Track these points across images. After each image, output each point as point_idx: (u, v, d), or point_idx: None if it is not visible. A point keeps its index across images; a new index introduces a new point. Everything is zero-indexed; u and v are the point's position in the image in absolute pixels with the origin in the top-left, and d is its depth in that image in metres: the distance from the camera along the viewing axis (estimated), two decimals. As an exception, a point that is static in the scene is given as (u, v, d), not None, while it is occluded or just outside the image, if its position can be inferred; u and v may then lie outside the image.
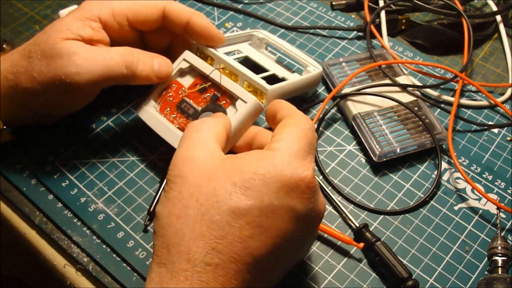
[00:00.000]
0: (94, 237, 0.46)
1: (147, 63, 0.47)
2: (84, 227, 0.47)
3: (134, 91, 0.54)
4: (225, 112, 0.47)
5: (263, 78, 0.49)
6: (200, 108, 0.48)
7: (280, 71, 0.54)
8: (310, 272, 0.45)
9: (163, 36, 0.52)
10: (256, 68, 0.53)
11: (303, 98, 0.56)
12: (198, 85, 0.49)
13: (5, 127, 0.48)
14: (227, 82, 0.48)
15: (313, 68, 0.53)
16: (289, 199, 0.36)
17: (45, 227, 0.47)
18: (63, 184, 0.49)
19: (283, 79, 0.52)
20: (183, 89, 0.50)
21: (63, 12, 0.56)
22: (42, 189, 0.49)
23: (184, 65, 0.50)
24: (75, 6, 0.54)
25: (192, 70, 0.50)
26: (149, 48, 0.53)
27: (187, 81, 0.50)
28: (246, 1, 0.66)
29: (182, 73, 0.51)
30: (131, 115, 0.54)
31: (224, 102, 0.48)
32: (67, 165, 0.50)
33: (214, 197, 0.35)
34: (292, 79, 0.52)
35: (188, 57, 0.50)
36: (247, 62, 0.56)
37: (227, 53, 0.54)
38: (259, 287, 0.37)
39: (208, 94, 0.49)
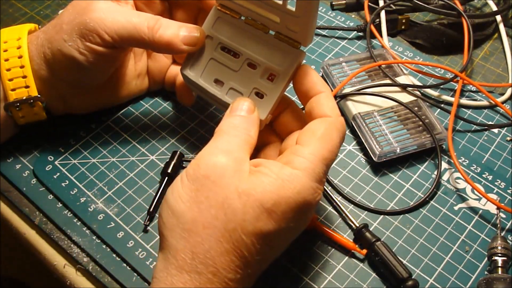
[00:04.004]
0: (94, 237, 0.46)
1: (171, 28, 0.45)
2: (84, 227, 0.47)
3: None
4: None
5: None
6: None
7: None
8: (310, 272, 0.45)
9: (189, 10, 0.51)
10: None
11: (303, 98, 0.56)
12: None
13: (39, 95, 0.47)
14: (256, 51, 0.43)
15: None
16: (300, 220, 0.38)
17: (45, 227, 0.47)
18: (63, 184, 0.49)
19: None
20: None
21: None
22: (42, 189, 0.49)
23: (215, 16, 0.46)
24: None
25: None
26: None
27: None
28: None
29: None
30: (132, 115, 0.54)
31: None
32: (67, 165, 0.50)
33: (243, 215, 0.35)
34: None
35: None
36: None
37: None
38: None
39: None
